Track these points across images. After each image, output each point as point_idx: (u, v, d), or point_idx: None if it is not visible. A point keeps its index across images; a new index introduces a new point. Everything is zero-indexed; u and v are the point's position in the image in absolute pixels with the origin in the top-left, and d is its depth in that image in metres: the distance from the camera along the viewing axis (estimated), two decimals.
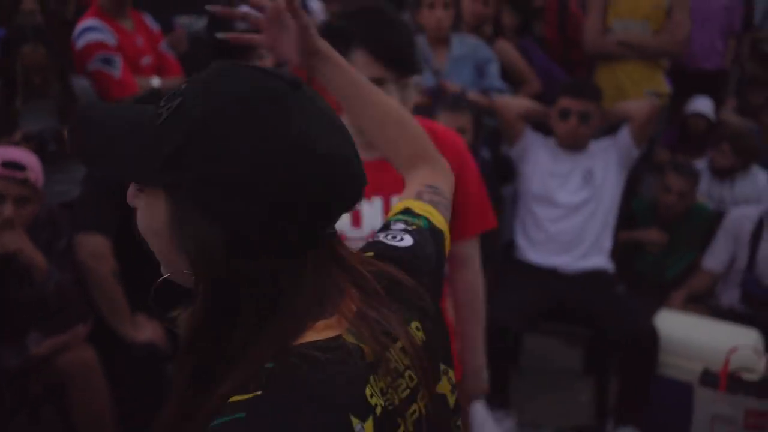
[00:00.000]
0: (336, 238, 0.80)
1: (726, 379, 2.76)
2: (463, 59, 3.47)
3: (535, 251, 3.27)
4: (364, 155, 0.94)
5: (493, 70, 3.50)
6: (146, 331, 2.79)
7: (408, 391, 0.79)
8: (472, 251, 1.87)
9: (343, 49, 1.51)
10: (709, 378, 2.81)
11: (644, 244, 3.69)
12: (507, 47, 3.82)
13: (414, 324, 0.84)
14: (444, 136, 1.75)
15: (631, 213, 3.70)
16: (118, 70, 3.30)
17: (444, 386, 0.86)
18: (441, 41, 3.47)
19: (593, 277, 3.18)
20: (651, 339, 2.94)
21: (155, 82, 3.39)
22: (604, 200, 3.23)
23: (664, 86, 3.99)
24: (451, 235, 1.10)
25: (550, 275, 3.20)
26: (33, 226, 2.55)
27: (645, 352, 2.93)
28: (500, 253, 3.48)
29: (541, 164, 3.29)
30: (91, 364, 2.62)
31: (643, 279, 3.63)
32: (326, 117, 0.76)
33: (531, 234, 3.30)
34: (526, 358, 3.53)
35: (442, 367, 0.87)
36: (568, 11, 4.14)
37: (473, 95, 3.41)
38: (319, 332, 0.75)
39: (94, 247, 2.69)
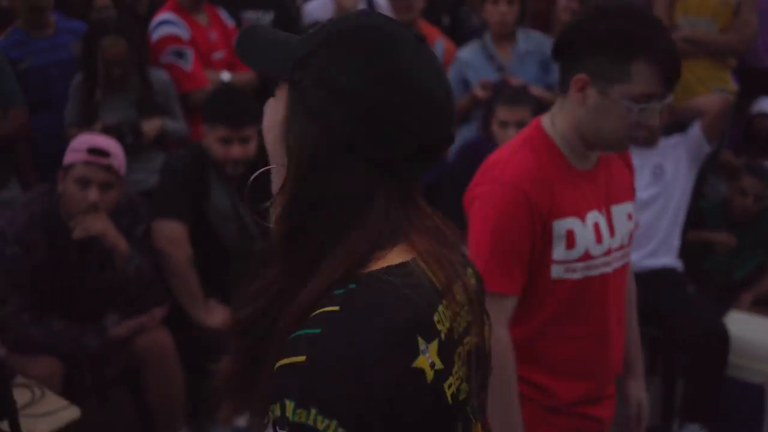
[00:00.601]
0: (417, 184, 0.86)
1: None
2: (528, 55, 3.45)
3: None
4: (579, 165, 0.91)
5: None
6: (218, 316, 2.83)
7: (465, 324, 0.87)
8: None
9: (615, 56, 1.40)
10: None
11: (713, 245, 3.62)
12: None
13: (469, 270, 0.94)
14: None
15: (700, 213, 3.63)
16: (189, 63, 3.36)
17: (486, 332, 0.95)
18: (506, 37, 3.46)
19: (663, 275, 3.13)
20: (722, 340, 2.88)
21: (225, 76, 3.45)
22: (674, 197, 3.18)
23: (732, 84, 3.91)
24: None
25: None
26: (114, 212, 2.61)
27: (716, 353, 2.87)
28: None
29: None
30: (166, 347, 2.67)
31: (710, 279, 3.56)
32: (435, 69, 0.84)
33: None
34: None
35: (485, 316, 0.95)
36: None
37: (537, 91, 3.39)
38: (390, 259, 0.82)
39: (171, 233, 2.74)
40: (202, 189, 2.84)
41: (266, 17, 3.88)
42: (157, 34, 3.39)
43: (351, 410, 0.73)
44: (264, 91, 3.56)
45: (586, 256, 1.53)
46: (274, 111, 0.85)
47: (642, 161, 3.21)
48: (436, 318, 0.81)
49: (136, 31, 3.25)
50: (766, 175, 3.56)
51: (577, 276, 1.53)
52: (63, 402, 2.15)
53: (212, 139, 2.83)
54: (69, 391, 2.41)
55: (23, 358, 2.42)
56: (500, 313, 1.51)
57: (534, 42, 3.47)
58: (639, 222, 3.19)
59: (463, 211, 1.62)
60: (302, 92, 0.82)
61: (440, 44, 3.93)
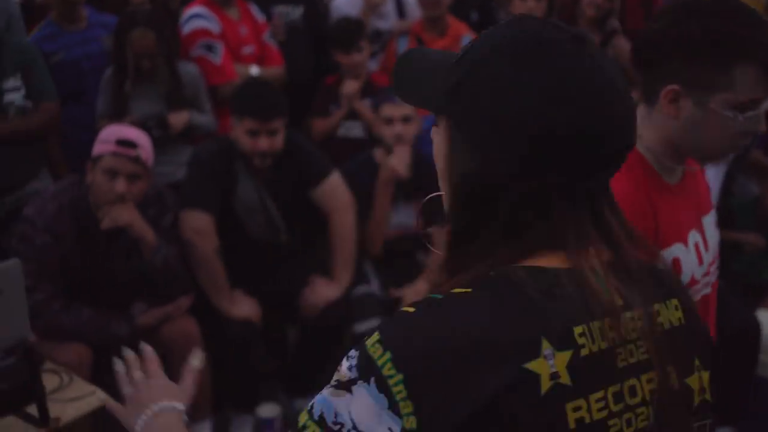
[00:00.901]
0: (600, 194, 0.80)
1: None
2: None
3: None
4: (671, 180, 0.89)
5: None
6: (243, 306, 2.85)
7: (639, 359, 0.77)
8: None
9: (713, 61, 1.24)
10: None
11: (741, 245, 3.56)
12: (625, 45, 3.73)
13: (673, 302, 0.83)
14: None
15: (730, 212, 3.58)
16: (219, 56, 3.38)
17: (693, 381, 0.82)
18: None
19: None
20: (756, 334, 2.84)
21: (254, 70, 3.47)
22: None
23: None
24: None
25: None
26: (142, 202, 2.64)
27: (749, 348, 2.83)
28: None
29: None
30: (193, 335, 2.69)
31: (738, 279, 3.51)
32: (602, 69, 0.77)
33: None
34: None
35: (697, 362, 0.83)
36: (653, 1, 4.04)
37: None
38: (537, 262, 0.78)
39: (198, 224, 2.76)
40: (229, 181, 2.86)
41: (296, 12, 3.90)
42: (188, 28, 3.42)
43: (427, 376, 0.69)
44: (292, 86, 3.58)
45: (692, 282, 1.36)
46: (437, 142, 0.84)
47: None
48: (578, 330, 0.74)
49: (166, 25, 3.28)
50: None
51: None
52: (91, 387, 2.18)
53: (240, 132, 2.85)
54: (97, 378, 2.44)
55: (52, 344, 2.46)
56: None
57: None
58: None
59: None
60: (458, 126, 0.79)
61: (467, 40, 3.90)
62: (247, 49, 3.52)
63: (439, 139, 0.84)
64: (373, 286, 3.14)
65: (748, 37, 1.23)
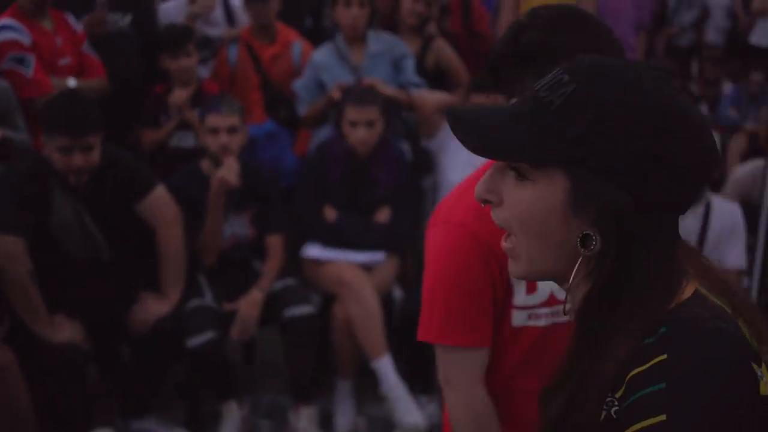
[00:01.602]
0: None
1: None
2: (379, 55, 3.49)
3: None
4: None
5: (409, 65, 3.53)
6: (65, 330, 2.72)
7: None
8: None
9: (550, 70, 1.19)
10: None
11: None
12: (444, 46, 3.84)
13: None
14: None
15: None
16: (30, 69, 3.21)
17: None
18: (358, 38, 3.48)
19: None
20: None
21: (71, 82, 3.31)
22: None
23: None
24: None
25: None
26: None
27: None
28: (422, 243, 3.50)
29: (460, 155, 3.33)
30: (8, 365, 2.54)
31: None
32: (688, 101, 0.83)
33: None
34: None
35: None
36: (471, 5, 4.21)
37: (391, 90, 3.43)
38: (682, 294, 0.81)
39: (8, 248, 2.62)
40: (43, 200, 2.72)
41: (125, 20, 3.76)
42: None
43: None
44: (115, 98, 3.45)
45: (551, 301, 1.33)
46: (544, 197, 0.81)
47: None
48: (752, 344, 0.80)
49: None
50: None
51: (542, 323, 1.34)
52: None
53: (52, 149, 2.71)
54: None
55: None
56: (474, 369, 1.32)
57: (385, 43, 3.52)
58: None
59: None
60: (595, 168, 0.79)
61: (298, 46, 3.92)
62: (64, 61, 3.36)
63: (543, 191, 0.81)
64: (207, 299, 3.09)
65: (581, 48, 1.17)
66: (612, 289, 0.80)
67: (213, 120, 3.10)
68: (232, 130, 3.09)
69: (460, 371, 1.33)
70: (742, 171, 4.11)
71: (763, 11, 5.74)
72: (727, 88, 5.82)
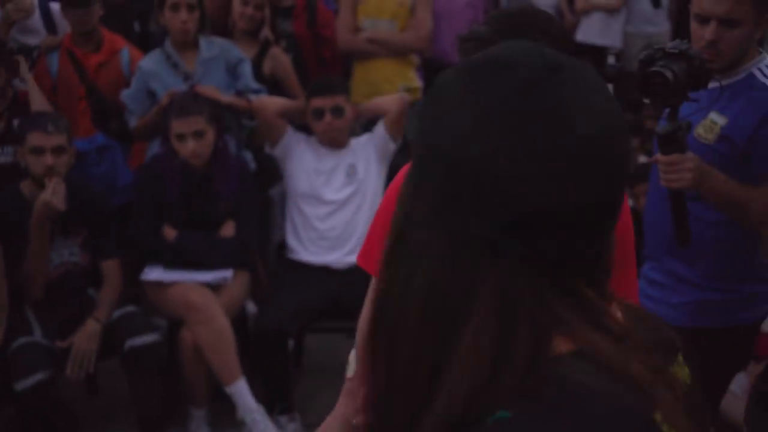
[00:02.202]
0: (573, 268, 0.63)
1: None
2: (213, 61, 3.29)
3: (306, 250, 3.18)
4: None
5: (246, 70, 3.35)
6: None
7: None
8: None
9: None
10: None
11: None
12: (280, 55, 3.67)
13: (678, 359, 0.72)
14: None
15: None
16: None
17: None
18: (188, 44, 3.27)
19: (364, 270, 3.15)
20: None
21: None
22: (368, 195, 3.21)
23: (416, 81, 4.09)
24: None
25: (324, 273, 3.13)
26: None
27: None
28: (273, 254, 3.35)
29: (306, 162, 3.22)
30: None
31: None
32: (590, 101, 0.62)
33: (301, 233, 3.21)
34: (309, 358, 3.43)
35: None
36: (316, 8, 4.09)
37: (228, 98, 3.25)
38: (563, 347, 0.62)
39: None
40: None
41: None
42: None
43: None
44: None
45: None
46: None
47: (335, 162, 3.21)
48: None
49: None
50: None
51: None
52: None
53: None
54: None
55: None
56: None
57: (218, 48, 3.32)
58: (338, 221, 3.19)
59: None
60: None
61: (126, 54, 3.63)
62: None
63: None
64: (36, 335, 2.78)
65: None
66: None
67: (36, 139, 2.78)
68: (58, 151, 2.79)
69: None
70: None
71: (586, 9, 6.03)
72: None
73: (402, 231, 0.65)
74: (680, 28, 6.14)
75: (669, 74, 1.70)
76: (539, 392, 0.59)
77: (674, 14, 6.16)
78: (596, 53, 6.01)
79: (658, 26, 6.10)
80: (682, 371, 0.71)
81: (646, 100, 1.81)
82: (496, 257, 0.60)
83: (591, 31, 6.11)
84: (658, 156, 1.83)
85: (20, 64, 3.31)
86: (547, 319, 0.61)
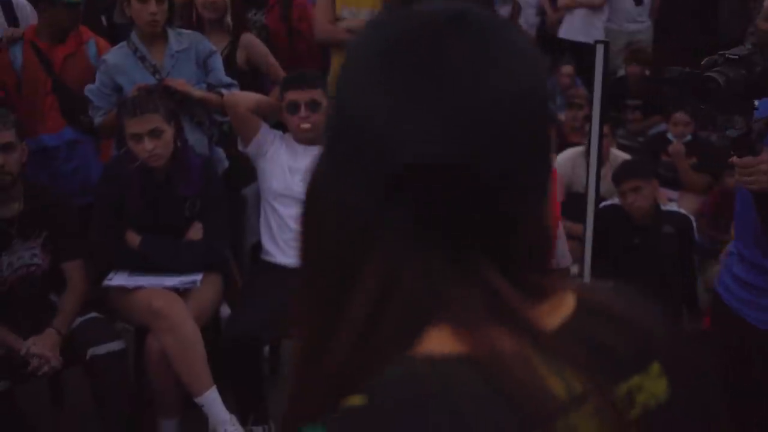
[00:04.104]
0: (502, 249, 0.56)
1: None
2: (183, 54, 3.07)
3: (282, 252, 2.97)
4: None
5: (218, 63, 3.14)
6: None
7: None
8: None
9: None
10: None
11: None
12: (253, 40, 3.46)
13: (654, 368, 0.59)
14: None
15: None
16: None
17: None
18: (157, 36, 3.04)
19: None
20: None
21: None
22: None
23: None
24: None
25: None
26: None
27: None
28: (247, 256, 3.14)
29: (280, 160, 3.00)
30: None
31: None
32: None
33: (276, 234, 2.99)
34: (285, 364, 3.22)
35: None
36: (293, 0, 3.88)
37: (199, 92, 3.03)
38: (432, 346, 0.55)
39: None
40: None
41: None
42: None
43: None
44: None
45: None
46: None
47: (311, 160, 3.00)
48: None
49: None
50: None
51: None
52: None
53: None
54: None
55: None
56: None
57: (187, 40, 3.10)
58: None
59: None
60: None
61: (93, 45, 3.41)
62: None
63: None
64: None
65: None
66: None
67: None
68: (6, 148, 2.56)
69: None
70: (561, 158, 4.09)
71: (569, 6, 5.87)
72: None
73: (312, 191, 0.63)
74: (661, 25, 5.99)
75: (722, 80, 1.66)
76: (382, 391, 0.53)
77: (656, 12, 6.01)
78: (578, 50, 5.84)
79: (640, 24, 5.96)
80: (650, 385, 0.59)
81: (702, 106, 1.75)
82: (383, 226, 0.56)
83: (573, 28, 5.94)
84: (734, 159, 1.79)
85: None
86: (429, 303, 0.55)
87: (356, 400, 0.52)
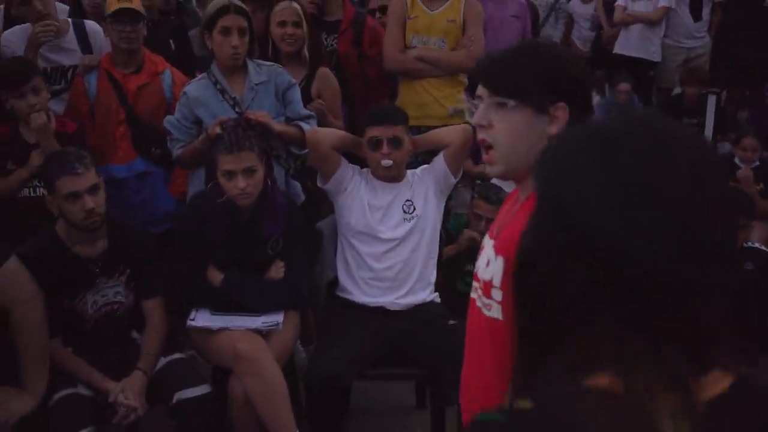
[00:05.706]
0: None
1: None
2: (262, 86, 2.98)
3: (361, 291, 2.88)
4: None
5: (296, 95, 3.05)
6: None
7: None
8: None
9: None
10: None
11: (460, 266, 3.43)
12: (329, 76, 3.37)
13: None
14: None
15: (448, 235, 3.43)
16: None
17: None
18: (237, 68, 2.97)
19: (421, 311, 2.86)
20: None
21: None
22: (426, 231, 2.91)
23: (465, 102, 3.78)
24: None
25: (379, 314, 2.84)
26: None
27: None
28: (323, 293, 3.06)
29: (360, 197, 2.91)
30: None
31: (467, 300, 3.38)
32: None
33: (354, 271, 2.90)
34: (356, 398, 3.15)
35: None
36: (365, 25, 3.79)
37: (280, 126, 2.96)
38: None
39: None
40: None
41: None
42: None
43: None
44: None
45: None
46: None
47: (392, 197, 2.91)
48: None
49: None
50: (498, 196, 3.38)
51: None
52: None
53: None
54: None
55: None
56: None
57: (266, 72, 3.01)
58: (395, 260, 2.89)
59: None
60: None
61: (168, 75, 3.35)
62: None
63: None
64: (78, 386, 2.50)
65: None
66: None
67: (69, 184, 2.47)
68: (93, 190, 2.50)
69: None
70: None
71: (626, 21, 5.70)
72: (594, 98, 5.76)
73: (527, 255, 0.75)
74: (719, 41, 5.79)
75: None
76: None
77: (715, 27, 5.82)
78: (634, 66, 5.69)
79: (699, 39, 5.77)
80: None
81: None
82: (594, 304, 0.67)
83: (629, 44, 5.78)
84: None
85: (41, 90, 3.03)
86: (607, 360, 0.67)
87: (525, 403, 0.69)
